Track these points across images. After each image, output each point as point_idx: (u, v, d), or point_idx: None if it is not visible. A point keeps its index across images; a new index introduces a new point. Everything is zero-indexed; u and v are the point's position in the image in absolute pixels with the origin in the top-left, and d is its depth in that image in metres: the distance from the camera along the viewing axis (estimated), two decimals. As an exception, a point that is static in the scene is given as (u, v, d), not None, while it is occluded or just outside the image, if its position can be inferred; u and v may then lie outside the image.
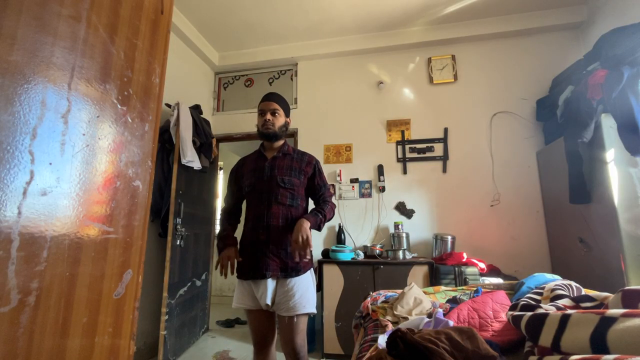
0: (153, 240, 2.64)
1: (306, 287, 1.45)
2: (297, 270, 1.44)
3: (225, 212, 1.66)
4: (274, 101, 1.55)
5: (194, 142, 2.69)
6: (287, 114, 1.62)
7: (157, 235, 2.66)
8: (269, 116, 1.53)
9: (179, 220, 2.54)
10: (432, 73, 3.11)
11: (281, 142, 1.61)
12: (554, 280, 1.37)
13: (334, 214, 1.59)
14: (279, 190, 1.47)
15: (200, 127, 2.82)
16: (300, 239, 1.33)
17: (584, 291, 1.24)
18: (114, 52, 0.67)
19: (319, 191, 1.59)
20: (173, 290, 2.46)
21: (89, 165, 0.61)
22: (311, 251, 1.40)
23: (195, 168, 2.70)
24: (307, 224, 1.37)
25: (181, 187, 2.60)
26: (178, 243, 2.54)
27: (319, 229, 1.48)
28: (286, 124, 1.60)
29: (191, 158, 2.57)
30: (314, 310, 1.46)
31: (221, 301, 4.28)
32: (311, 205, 1.63)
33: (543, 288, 1.21)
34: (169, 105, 2.63)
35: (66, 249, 0.55)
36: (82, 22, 0.60)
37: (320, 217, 1.47)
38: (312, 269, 1.53)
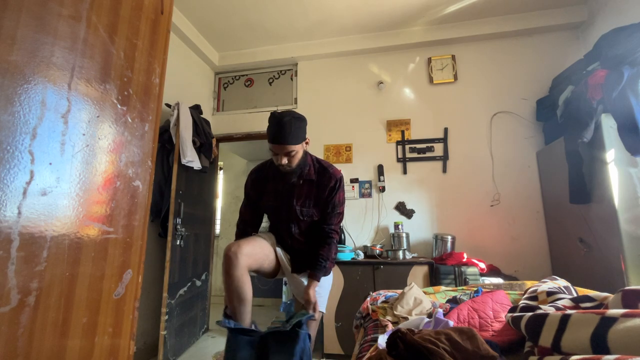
0: (153, 240, 2.64)
1: (326, 288, 1.51)
2: (326, 271, 1.47)
3: (242, 227, 1.51)
4: (286, 143, 1.29)
5: (194, 142, 2.69)
6: (304, 139, 1.39)
7: (157, 235, 2.66)
8: (284, 160, 1.32)
9: (179, 220, 2.54)
10: (432, 73, 3.11)
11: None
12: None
13: (337, 251, 1.58)
14: (299, 223, 1.45)
15: (201, 127, 2.82)
16: (312, 305, 1.35)
17: (579, 291, 1.24)
18: (114, 52, 0.66)
19: (327, 215, 1.45)
20: (173, 290, 2.46)
21: (89, 165, 0.61)
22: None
23: (195, 168, 2.70)
24: (312, 291, 1.37)
25: (181, 187, 2.60)
26: (178, 243, 2.54)
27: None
28: (305, 152, 1.42)
29: (191, 158, 2.57)
30: (324, 311, 1.50)
31: (221, 301, 4.28)
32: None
33: (535, 291, 1.19)
34: (169, 105, 2.63)
35: (66, 249, 0.55)
36: (82, 22, 0.60)
37: (327, 262, 1.43)
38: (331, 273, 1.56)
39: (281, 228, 1.49)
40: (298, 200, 1.41)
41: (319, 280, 1.41)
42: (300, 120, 1.36)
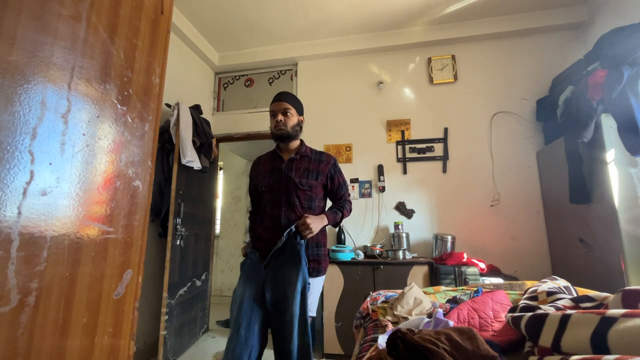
0: (153, 240, 2.64)
1: (316, 291, 1.47)
2: (318, 271, 1.45)
3: (251, 217, 1.67)
4: (284, 101, 1.51)
5: (193, 142, 2.68)
6: (301, 113, 1.58)
7: (157, 235, 2.66)
8: (280, 117, 1.49)
9: (179, 220, 2.54)
10: (432, 73, 3.11)
11: (297, 142, 1.58)
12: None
13: (350, 212, 1.63)
14: (297, 192, 1.46)
15: (200, 127, 2.82)
16: (305, 226, 1.36)
17: (580, 291, 1.24)
18: (114, 52, 0.66)
19: (339, 191, 1.58)
20: (173, 290, 2.45)
21: (89, 165, 0.61)
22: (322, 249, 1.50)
23: (195, 168, 2.70)
24: (318, 224, 1.41)
25: (181, 187, 2.60)
26: (178, 243, 2.54)
27: (335, 225, 1.57)
28: (300, 123, 1.57)
29: (191, 158, 2.57)
30: (314, 314, 1.48)
31: (221, 301, 4.28)
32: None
33: (535, 291, 1.19)
34: (169, 105, 2.63)
35: (66, 249, 0.55)
36: (82, 22, 0.60)
37: (340, 214, 1.53)
38: (324, 275, 1.54)
39: (277, 205, 1.45)
40: (297, 172, 1.49)
41: (328, 219, 1.46)
42: (298, 98, 1.62)
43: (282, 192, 1.46)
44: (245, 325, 1.32)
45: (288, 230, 1.35)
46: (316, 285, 1.46)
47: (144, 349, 2.48)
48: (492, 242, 2.73)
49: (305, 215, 1.40)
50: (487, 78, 3.00)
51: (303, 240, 1.37)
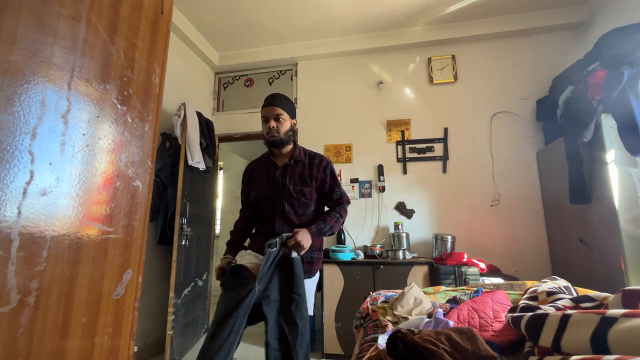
0: (153, 240, 2.63)
1: (309, 292, 1.46)
2: (310, 273, 1.45)
3: (238, 227, 1.59)
4: (276, 105, 1.45)
5: (200, 144, 2.67)
6: (293, 116, 1.54)
7: (158, 237, 2.66)
8: (272, 123, 1.44)
9: (184, 221, 2.54)
10: (432, 73, 3.11)
11: (290, 147, 1.54)
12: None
13: (343, 220, 1.54)
14: (292, 201, 1.43)
15: (206, 128, 2.82)
16: (296, 244, 1.32)
17: (580, 291, 1.24)
18: (114, 52, 0.66)
19: (333, 194, 1.52)
20: (178, 290, 2.45)
21: (89, 165, 0.61)
22: (315, 258, 1.49)
23: (201, 169, 2.69)
24: (309, 239, 1.36)
25: (186, 187, 2.59)
26: (183, 243, 2.54)
27: (323, 235, 1.47)
28: (293, 127, 1.52)
29: (199, 159, 2.55)
30: (310, 313, 1.47)
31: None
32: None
33: (535, 291, 1.19)
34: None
35: (66, 249, 0.55)
36: (82, 22, 0.60)
37: (322, 226, 1.43)
38: (318, 272, 1.54)
39: (272, 213, 1.44)
40: (291, 179, 1.46)
41: (310, 231, 1.38)
42: (291, 99, 1.54)
43: (277, 201, 1.45)
44: (232, 326, 1.25)
45: (275, 251, 1.29)
46: (308, 286, 1.45)
47: (144, 349, 2.48)
48: (492, 242, 2.73)
49: (296, 230, 1.35)
50: (487, 78, 3.00)
51: (298, 256, 1.33)
